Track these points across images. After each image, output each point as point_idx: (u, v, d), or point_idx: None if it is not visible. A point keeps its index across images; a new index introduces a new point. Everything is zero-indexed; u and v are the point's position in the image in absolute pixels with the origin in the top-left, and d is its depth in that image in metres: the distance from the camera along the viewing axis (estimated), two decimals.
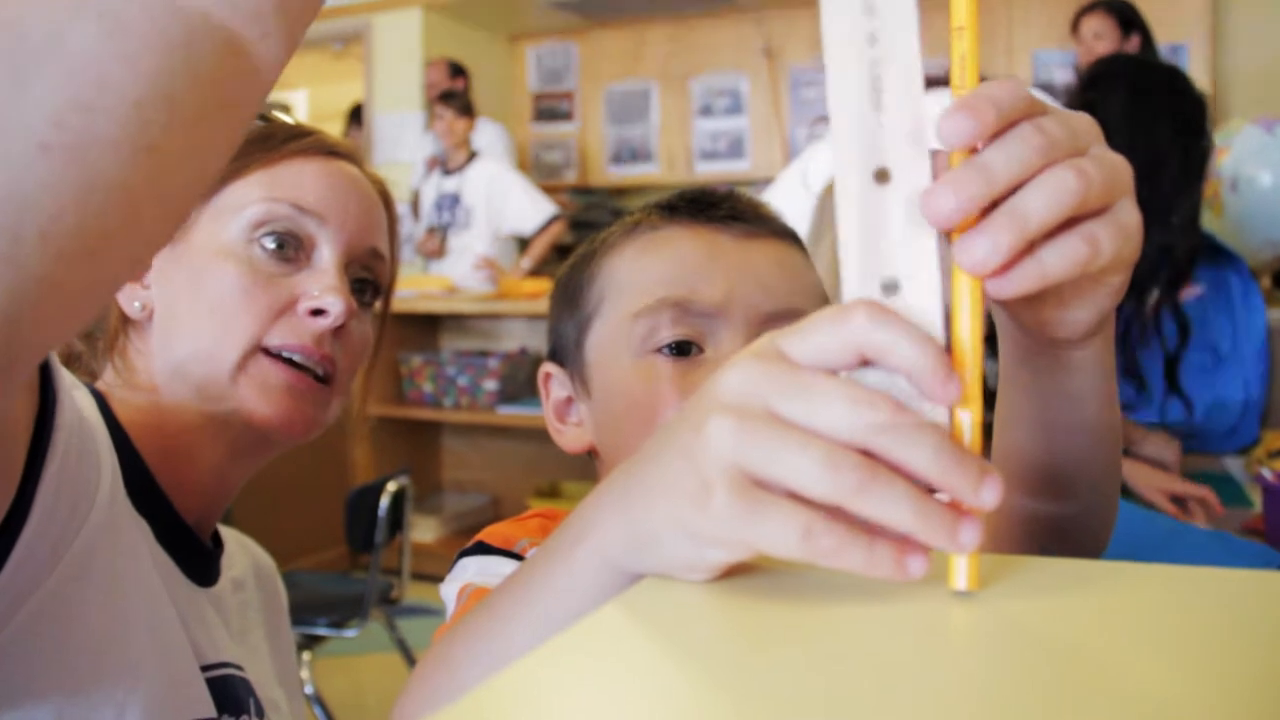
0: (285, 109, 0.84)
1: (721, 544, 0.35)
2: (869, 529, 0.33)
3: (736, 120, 4.90)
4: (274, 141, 0.73)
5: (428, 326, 3.79)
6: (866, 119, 0.36)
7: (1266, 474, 1.28)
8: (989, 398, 0.51)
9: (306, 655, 2.15)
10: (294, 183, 0.72)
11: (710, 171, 4.90)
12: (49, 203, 0.32)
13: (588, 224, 4.64)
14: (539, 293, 3.44)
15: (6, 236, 0.32)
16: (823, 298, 0.67)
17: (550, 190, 4.39)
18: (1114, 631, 0.32)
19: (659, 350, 0.62)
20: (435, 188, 4.05)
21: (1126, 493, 1.43)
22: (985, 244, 0.36)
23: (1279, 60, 3.88)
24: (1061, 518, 0.54)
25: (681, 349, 0.61)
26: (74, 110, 0.32)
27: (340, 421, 0.76)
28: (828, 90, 0.37)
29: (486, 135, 4.25)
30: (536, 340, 3.64)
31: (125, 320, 0.72)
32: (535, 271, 3.90)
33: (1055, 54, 4.15)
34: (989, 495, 0.33)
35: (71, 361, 0.74)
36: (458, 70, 4.40)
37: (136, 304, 0.72)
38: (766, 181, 2.57)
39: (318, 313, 0.70)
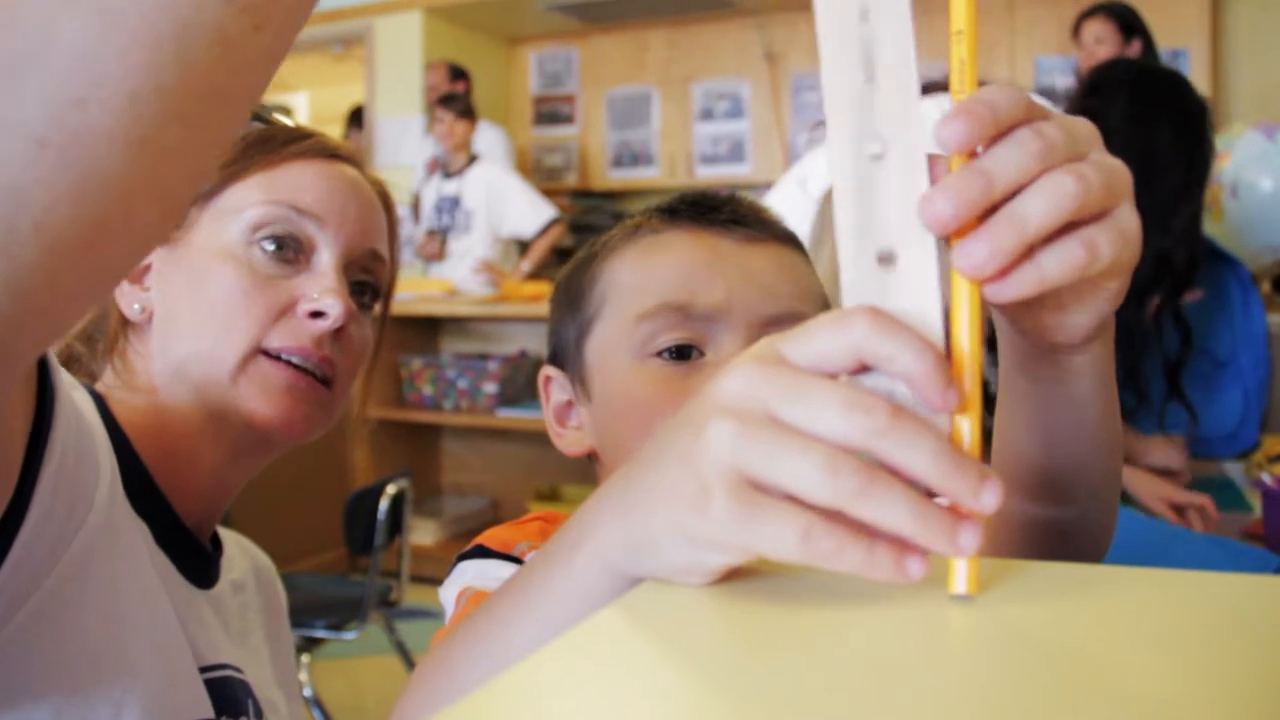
0: (286, 111, 0.84)
1: (720, 547, 0.35)
2: (868, 532, 0.33)
3: (737, 124, 4.91)
4: (274, 144, 0.73)
5: (428, 329, 3.79)
6: (859, 93, 0.37)
7: (1266, 479, 1.28)
8: (990, 401, 0.51)
9: (305, 657, 2.15)
10: (294, 185, 0.72)
11: (711, 175, 4.90)
12: (44, 196, 0.33)
13: (588, 227, 4.64)
14: (539, 296, 3.44)
15: (1, 229, 0.32)
16: (824, 302, 0.67)
17: (551, 194, 4.39)
18: (1113, 635, 0.32)
19: (659, 354, 0.62)
20: (435, 191, 4.06)
21: (1127, 500, 1.43)
22: (984, 248, 0.36)
23: (1279, 66, 3.88)
24: (1061, 522, 0.54)
25: (682, 353, 0.61)
26: (69, 104, 0.32)
27: (340, 424, 0.76)
28: (821, 64, 0.37)
29: (487, 138, 4.25)
30: (536, 343, 3.64)
31: (125, 322, 0.72)
32: (535, 274, 3.91)
33: (1057, 60, 4.16)
34: (988, 499, 0.33)
35: (71, 363, 0.74)
36: (458, 73, 4.40)
37: (136, 306, 0.72)
38: (767, 185, 2.57)
39: (317, 315, 0.70)
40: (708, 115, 4.96)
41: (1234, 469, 1.67)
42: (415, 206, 4.11)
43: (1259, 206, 2.05)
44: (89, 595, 0.55)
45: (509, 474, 3.69)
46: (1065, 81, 4.04)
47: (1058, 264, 0.37)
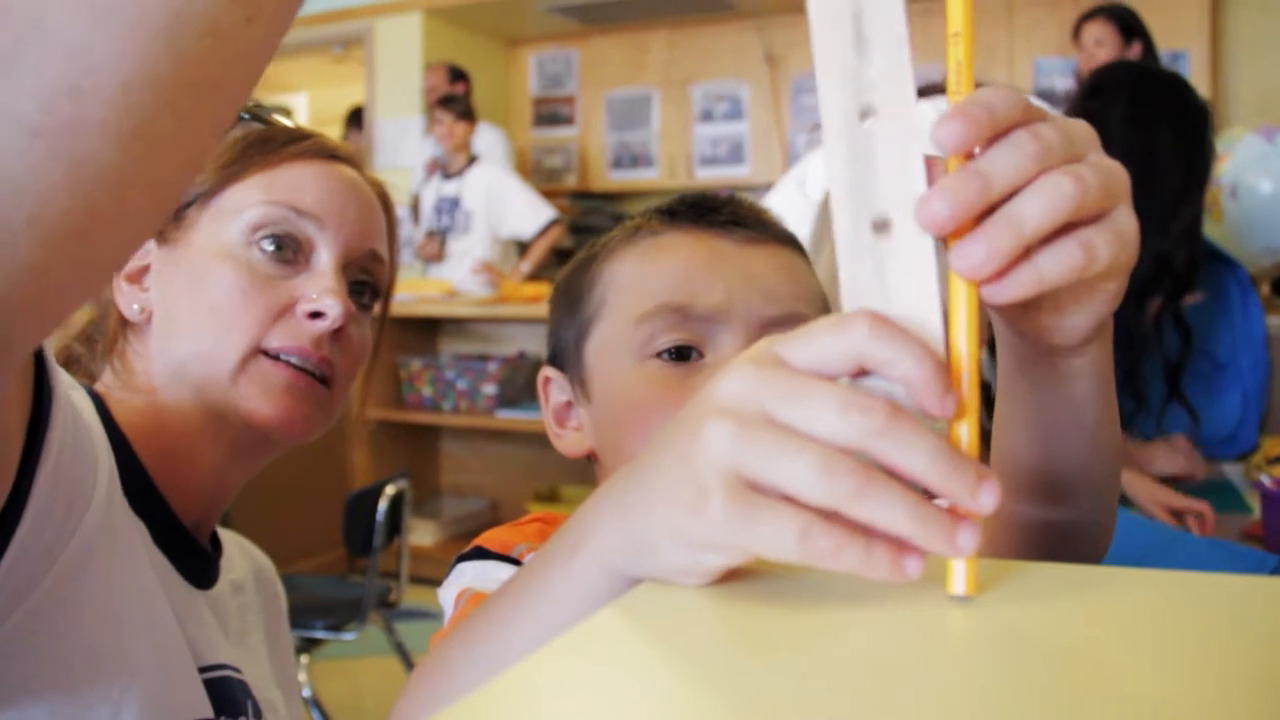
0: (285, 112, 0.85)
1: (718, 548, 0.35)
2: (866, 532, 0.33)
3: (737, 126, 4.91)
4: (273, 145, 0.73)
5: (427, 330, 3.79)
6: (850, 61, 0.37)
7: (1265, 480, 1.28)
8: (991, 403, 0.51)
9: (304, 658, 2.15)
10: (293, 186, 0.72)
11: (710, 177, 4.90)
12: (38, 187, 0.33)
13: (588, 229, 4.65)
14: (538, 297, 3.44)
15: None
16: (824, 303, 0.67)
17: (550, 195, 4.40)
18: (1112, 636, 0.33)
19: (659, 355, 0.62)
20: (435, 192, 4.06)
21: (1126, 503, 1.43)
22: (981, 249, 0.36)
23: (1279, 69, 3.89)
24: (1061, 524, 0.54)
25: (681, 354, 0.61)
26: (62, 94, 0.32)
27: (339, 425, 0.76)
28: (811, 29, 0.37)
29: (486, 139, 4.25)
30: (536, 344, 3.64)
31: (124, 323, 0.72)
32: (534, 275, 3.91)
33: (1057, 61, 4.16)
34: (986, 499, 0.33)
35: (70, 364, 0.74)
36: (458, 74, 4.40)
37: (135, 306, 0.72)
38: (766, 187, 2.57)
39: (316, 315, 0.70)
40: (707, 117, 4.96)
41: (1233, 471, 1.67)
42: (415, 208, 4.11)
43: (1258, 209, 2.05)
44: (87, 595, 0.55)
45: (508, 475, 3.69)
46: (1065, 84, 4.04)
47: (1055, 265, 0.37)
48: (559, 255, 3.93)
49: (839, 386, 0.34)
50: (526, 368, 3.59)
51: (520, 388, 3.54)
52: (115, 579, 0.58)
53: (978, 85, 0.37)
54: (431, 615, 2.91)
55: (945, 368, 0.35)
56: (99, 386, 0.71)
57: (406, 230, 4.05)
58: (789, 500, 0.33)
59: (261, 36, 0.35)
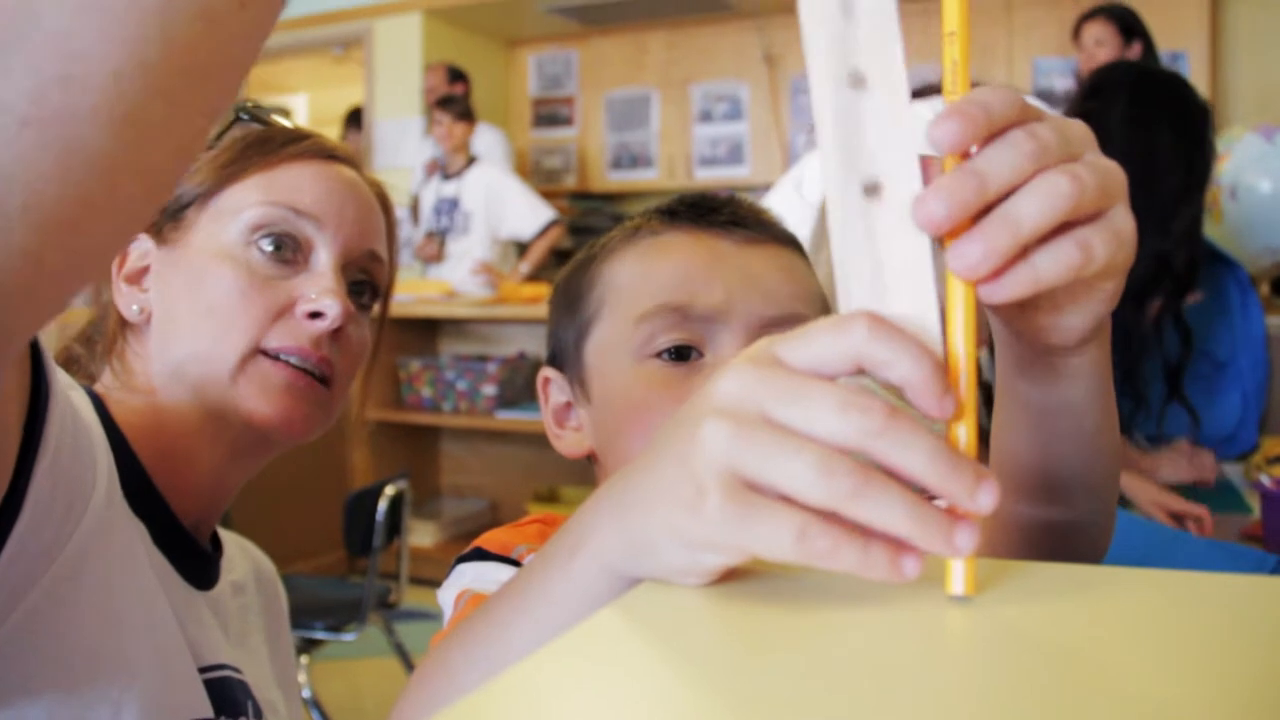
0: (284, 113, 0.85)
1: (716, 548, 0.35)
2: (864, 532, 0.33)
3: (736, 126, 4.91)
4: (272, 145, 0.73)
5: (426, 331, 3.79)
6: (837, 26, 0.37)
7: (1265, 480, 1.28)
8: (991, 402, 0.51)
9: (304, 659, 2.15)
10: (292, 186, 0.72)
11: (709, 177, 4.90)
12: (30, 176, 0.33)
13: (587, 229, 4.65)
14: (538, 297, 3.44)
15: None
16: (824, 303, 0.67)
17: (550, 195, 4.40)
18: (1111, 636, 0.33)
19: (659, 355, 0.62)
20: (434, 192, 4.06)
21: (1126, 505, 1.43)
22: (978, 249, 0.36)
23: (1279, 68, 3.89)
24: (1060, 524, 0.54)
25: (681, 354, 0.61)
26: (53, 83, 0.32)
27: (339, 425, 0.76)
28: (799, 3, 0.37)
29: (485, 140, 4.25)
30: (535, 345, 3.64)
31: (123, 323, 0.72)
32: (534, 276, 3.91)
33: (1056, 61, 4.16)
34: (985, 499, 0.33)
35: (70, 365, 0.74)
36: (457, 75, 4.40)
37: (135, 307, 0.72)
38: (766, 187, 2.57)
39: (315, 315, 0.70)
40: (707, 117, 4.96)
41: (1233, 471, 1.67)
42: (414, 208, 4.11)
43: (1258, 209, 2.05)
44: (86, 595, 0.55)
45: (508, 476, 3.69)
46: (1064, 83, 4.04)
47: (1052, 265, 0.37)
48: (558, 256, 3.92)
49: (837, 386, 0.34)
50: (526, 368, 3.59)
51: (520, 388, 3.54)
52: (115, 579, 0.58)
53: (975, 85, 0.37)
54: (431, 616, 2.91)
55: (944, 368, 0.35)
56: (98, 387, 0.71)
57: (406, 231, 4.05)
58: (787, 500, 0.33)
59: (254, 20, 0.35)
